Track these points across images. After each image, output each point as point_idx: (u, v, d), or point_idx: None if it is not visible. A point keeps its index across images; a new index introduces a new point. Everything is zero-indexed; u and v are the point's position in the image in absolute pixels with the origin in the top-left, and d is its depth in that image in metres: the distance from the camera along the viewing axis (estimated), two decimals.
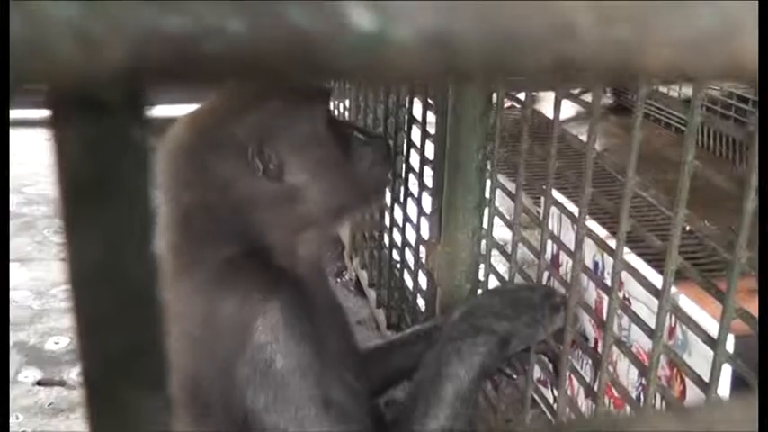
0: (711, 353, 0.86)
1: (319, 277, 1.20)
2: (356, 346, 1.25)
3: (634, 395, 1.08)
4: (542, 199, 1.28)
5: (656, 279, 0.94)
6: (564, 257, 1.27)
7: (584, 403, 1.21)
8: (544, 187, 1.17)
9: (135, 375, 0.18)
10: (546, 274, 1.21)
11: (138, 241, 0.18)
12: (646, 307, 0.99)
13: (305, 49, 0.15)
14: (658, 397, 0.95)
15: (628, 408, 1.10)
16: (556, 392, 1.22)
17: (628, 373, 1.09)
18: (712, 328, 0.86)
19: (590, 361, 1.21)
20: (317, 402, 1.02)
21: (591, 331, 1.17)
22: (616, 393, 1.08)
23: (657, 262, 1.07)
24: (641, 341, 1.03)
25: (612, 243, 1.04)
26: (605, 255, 1.14)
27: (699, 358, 0.90)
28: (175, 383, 0.87)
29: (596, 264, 1.15)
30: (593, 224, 1.07)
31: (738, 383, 0.84)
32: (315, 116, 1.10)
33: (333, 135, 1.12)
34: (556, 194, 1.18)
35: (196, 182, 1.07)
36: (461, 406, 1.06)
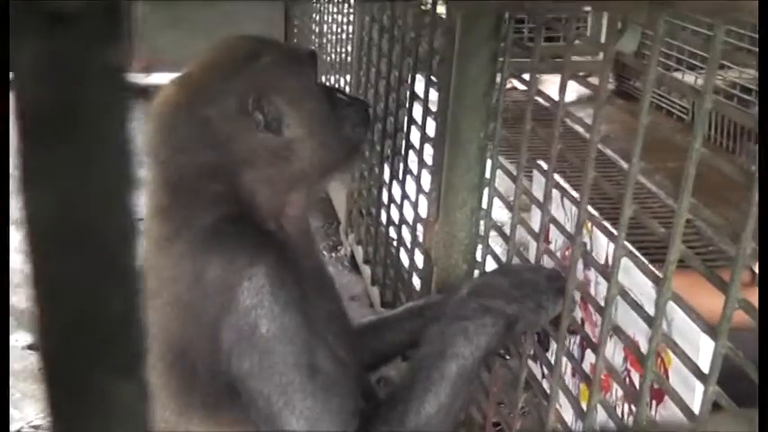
0: (700, 344, 0.86)
1: (307, 240, 1.20)
2: (344, 311, 1.23)
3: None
4: (534, 179, 1.27)
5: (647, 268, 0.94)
6: (553, 235, 1.26)
7: (571, 382, 1.20)
8: (545, 169, 1.15)
9: (105, 357, 0.15)
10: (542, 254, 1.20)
11: (107, 190, 0.14)
12: (633, 294, 0.98)
13: None
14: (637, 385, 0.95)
15: (616, 390, 1.09)
16: (545, 370, 1.21)
17: (614, 357, 1.08)
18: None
19: (578, 341, 1.20)
20: (302, 369, 1.00)
21: (578, 313, 1.16)
22: (601, 376, 1.07)
23: (648, 250, 1.06)
24: (628, 328, 1.02)
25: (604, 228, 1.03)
26: (593, 239, 1.14)
27: (685, 348, 0.89)
28: (163, 347, 0.85)
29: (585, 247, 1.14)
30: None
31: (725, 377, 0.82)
32: (306, 73, 1.15)
33: (322, 94, 1.15)
34: (542, 176, 1.17)
35: (192, 141, 1.07)
36: (462, 386, 1.04)
